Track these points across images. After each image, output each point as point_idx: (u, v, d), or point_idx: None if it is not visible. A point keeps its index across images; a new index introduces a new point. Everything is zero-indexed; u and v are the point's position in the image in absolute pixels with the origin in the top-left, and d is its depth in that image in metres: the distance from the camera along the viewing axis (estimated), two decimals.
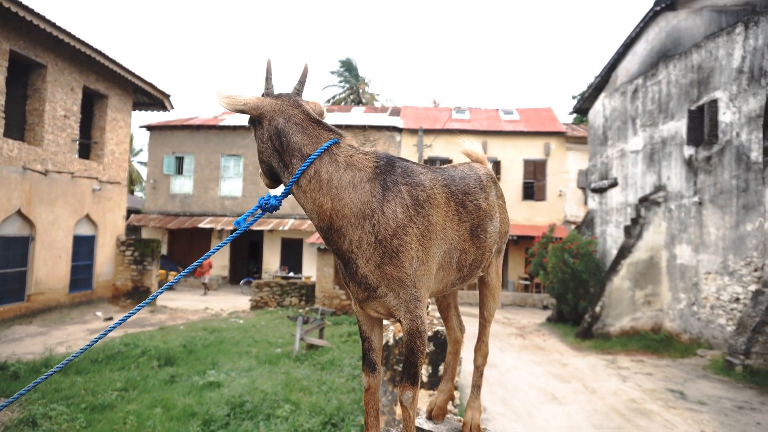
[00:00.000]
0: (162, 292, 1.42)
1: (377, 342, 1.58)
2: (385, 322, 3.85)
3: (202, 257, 1.51)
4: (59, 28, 12.07)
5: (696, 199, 11.61)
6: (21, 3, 10.83)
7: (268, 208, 1.47)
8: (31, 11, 11.13)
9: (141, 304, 1.41)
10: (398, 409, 1.52)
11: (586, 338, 12.50)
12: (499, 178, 21.81)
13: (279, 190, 1.49)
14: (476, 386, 1.86)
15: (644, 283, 12.78)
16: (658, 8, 13.31)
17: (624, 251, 13.10)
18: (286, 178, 1.45)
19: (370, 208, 1.38)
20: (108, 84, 15.22)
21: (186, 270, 1.52)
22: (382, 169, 1.45)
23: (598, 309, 12.67)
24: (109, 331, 1.43)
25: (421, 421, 1.81)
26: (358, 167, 1.43)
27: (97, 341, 1.37)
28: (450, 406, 3.05)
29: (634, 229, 13.18)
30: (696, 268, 11.56)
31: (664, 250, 12.77)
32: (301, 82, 1.58)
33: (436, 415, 1.83)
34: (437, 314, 4.07)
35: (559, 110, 45.47)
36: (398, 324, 1.51)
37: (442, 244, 1.51)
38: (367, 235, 1.37)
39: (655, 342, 11.79)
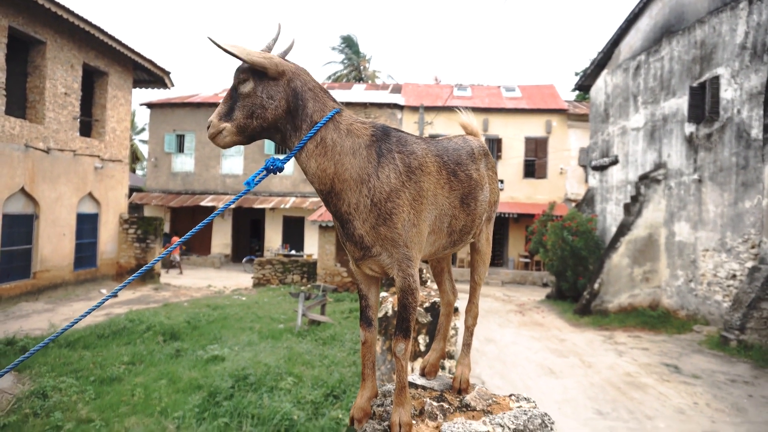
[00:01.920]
0: (154, 264, 1.52)
1: (374, 300, 1.69)
2: (383, 294, 3.96)
3: (202, 222, 1.57)
4: (58, 4, 11.99)
5: (696, 176, 11.65)
6: None
7: (274, 169, 1.53)
8: None
9: (132, 276, 1.51)
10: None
11: (584, 314, 12.67)
12: (500, 156, 21.82)
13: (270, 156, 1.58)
14: (466, 344, 1.97)
15: (643, 260, 12.89)
16: None
17: (623, 229, 13.18)
18: (293, 142, 1.52)
19: (366, 173, 1.49)
20: (108, 61, 15.16)
21: (181, 240, 1.61)
22: (378, 137, 1.55)
23: (596, 286, 12.82)
24: (100, 304, 1.55)
25: (414, 377, 1.92)
26: (357, 135, 1.54)
27: (88, 313, 1.47)
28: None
29: (633, 207, 13.24)
30: (694, 245, 11.65)
31: (663, 228, 12.85)
32: (285, 53, 1.68)
33: (428, 371, 1.94)
34: (435, 286, 4.18)
35: (561, 87, 45.14)
36: (396, 298, 1.61)
37: (432, 209, 1.61)
38: (364, 198, 1.48)
39: (652, 318, 11.95)
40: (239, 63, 1.52)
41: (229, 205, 1.64)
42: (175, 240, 20.07)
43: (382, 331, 3.33)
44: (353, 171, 1.49)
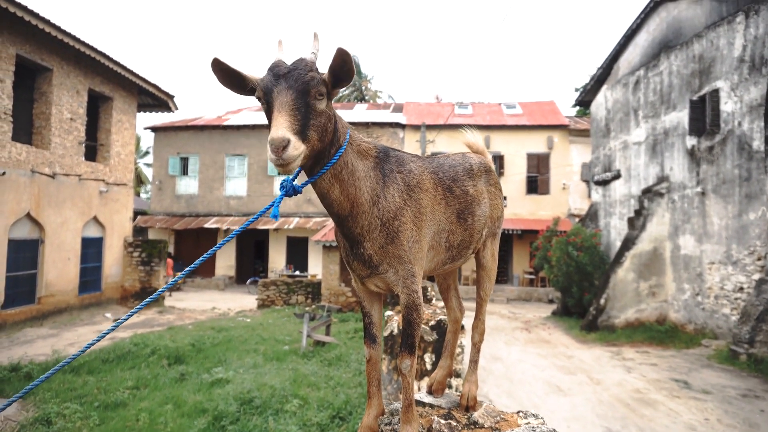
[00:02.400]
0: (163, 291, 1.51)
1: (377, 317, 1.70)
2: (388, 312, 3.94)
3: (212, 249, 1.54)
4: (64, 32, 12.21)
5: (699, 189, 11.63)
6: (27, 8, 10.97)
7: (292, 193, 1.46)
8: (36, 15, 11.27)
9: (141, 304, 1.48)
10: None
11: (591, 331, 12.56)
12: (502, 173, 21.85)
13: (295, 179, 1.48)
14: (473, 361, 1.97)
15: (648, 274, 12.81)
16: None
17: (628, 243, 13.13)
18: (319, 166, 1.42)
19: (376, 195, 1.51)
20: (113, 86, 15.36)
21: (191, 266, 1.58)
22: (380, 158, 1.58)
23: (602, 301, 12.72)
24: (110, 331, 1.51)
25: (422, 395, 1.90)
26: (365, 156, 1.55)
27: (98, 341, 1.45)
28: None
29: (637, 221, 13.21)
30: (700, 258, 11.59)
31: (667, 241, 12.80)
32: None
33: (436, 389, 1.93)
34: (441, 304, 4.16)
35: (562, 103, 45.42)
36: (401, 315, 1.62)
37: (431, 225, 1.64)
38: (375, 219, 1.49)
39: (660, 333, 11.83)
40: (304, 71, 1.35)
41: (246, 226, 1.64)
42: (170, 262, 20.05)
43: (387, 350, 3.31)
44: (368, 194, 1.49)
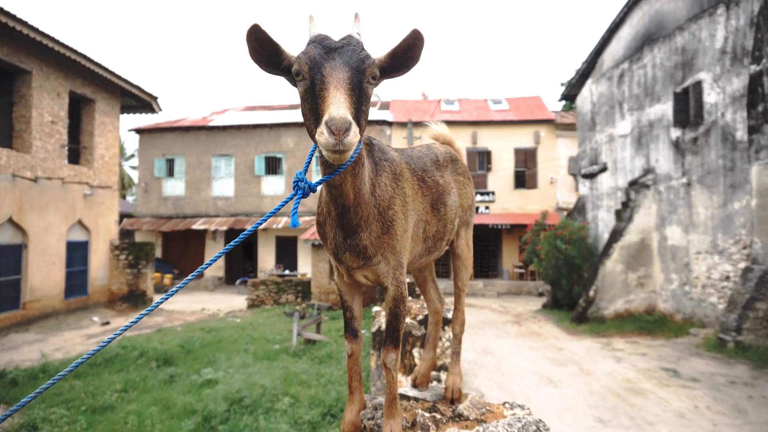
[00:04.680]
0: (168, 298, 1.39)
1: (358, 311, 1.65)
2: (376, 308, 3.91)
3: (215, 257, 1.38)
4: (43, 34, 12.01)
5: (684, 180, 11.73)
6: (3, 9, 10.77)
7: (308, 193, 1.35)
8: (13, 17, 11.07)
9: (148, 309, 1.37)
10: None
11: (581, 322, 12.63)
12: (490, 168, 21.91)
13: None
14: (455, 353, 1.94)
15: (636, 265, 12.90)
16: None
17: (615, 235, 13.22)
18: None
19: (373, 184, 1.46)
20: (94, 88, 15.15)
21: (196, 272, 1.43)
22: (369, 146, 1.53)
23: (591, 293, 12.80)
24: (118, 335, 1.36)
25: (406, 389, 1.87)
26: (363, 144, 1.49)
27: (105, 346, 1.32)
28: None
29: (624, 213, 13.30)
30: (686, 248, 11.69)
31: (654, 232, 12.90)
32: None
33: (420, 382, 1.90)
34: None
35: (548, 98, 45.68)
36: (388, 308, 1.57)
37: (413, 215, 1.60)
38: (373, 209, 1.43)
39: (649, 323, 11.92)
40: (355, 50, 1.24)
41: (258, 225, 1.49)
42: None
43: (376, 345, 3.28)
44: (368, 184, 1.43)
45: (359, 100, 1.20)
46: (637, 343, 10.62)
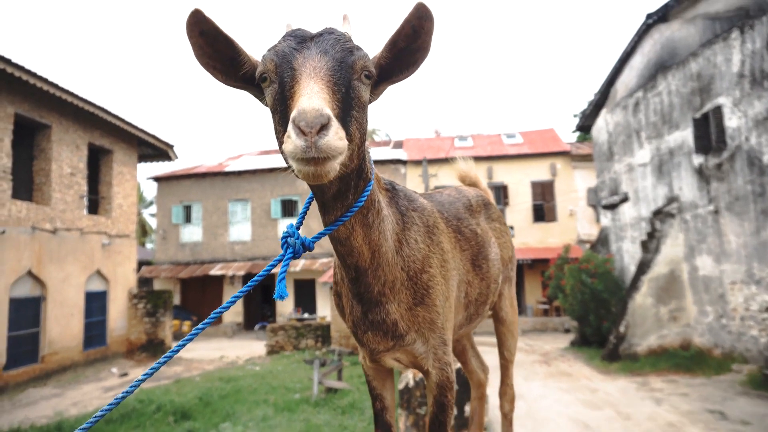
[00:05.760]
0: (182, 347, 1.16)
1: (390, 399, 1.37)
2: None
3: (226, 304, 1.17)
4: (62, 89, 12.31)
5: (711, 207, 11.35)
6: (25, 68, 11.07)
7: (300, 252, 1.03)
8: (35, 75, 11.37)
9: (162, 358, 1.13)
10: None
11: (613, 360, 12.06)
12: (507, 202, 21.65)
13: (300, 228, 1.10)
14: None
15: (667, 298, 12.38)
16: (650, 21, 13.35)
17: (643, 267, 12.76)
18: (341, 203, 1.02)
19: (398, 240, 1.15)
20: (112, 139, 15.42)
21: (209, 318, 1.22)
22: (391, 192, 1.25)
23: (622, 329, 12.27)
24: (134, 388, 1.17)
25: None
26: (380, 189, 1.18)
27: (120, 401, 1.14)
28: None
29: (650, 244, 12.88)
30: (720, 278, 11.19)
31: (684, 263, 12.42)
32: None
33: None
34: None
35: (562, 129, 45.67)
36: (431, 396, 1.25)
37: (455, 275, 1.31)
38: (400, 273, 1.14)
39: (685, 359, 11.32)
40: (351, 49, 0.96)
41: (250, 287, 1.24)
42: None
43: (404, 404, 3.01)
44: (390, 239, 1.12)
45: (346, 100, 0.91)
46: (675, 382, 10.05)
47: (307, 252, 1.09)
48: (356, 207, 1.00)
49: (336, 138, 0.80)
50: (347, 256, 1.08)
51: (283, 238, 1.02)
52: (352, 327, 1.21)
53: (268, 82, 0.94)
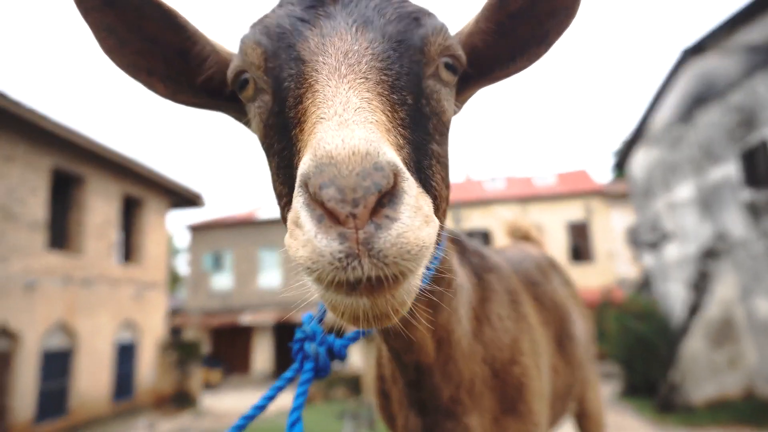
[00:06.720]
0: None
1: None
2: None
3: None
4: (97, 144, 12.61)
5: (765, 244, 10.63)
6: (60, 125, 11.38)
7: (325, 372, 0.76)
8: (70, 131, 11.67)
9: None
10: None
11: (666, 411, 11.14)
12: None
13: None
14: None
15: (722, 343, 11.50)
16: (686, 55, 13.04)
17: (693, 310, 11.97)
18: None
19: (475, 317, 0.79)
20: (144, 189, 15.66)
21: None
22: (459, 248, 0.88)
23: (675, 377, 11.39)
24: None
25: None
26: (450, 245, 0.82)
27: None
28: None
29: (700, 285, 12.11)
30: None
31: (738, 305, 11.57)
32: None
33: None
34: None
35: (598, 170, 44.99)
36: None
37: (545, 360, 0.92)
38: (481, 367, 0.78)
39: (749, 411, 10.35)
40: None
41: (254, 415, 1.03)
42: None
43: None
44: (465, 319, 0.77)
45: (415, 120, 0.51)
46: None
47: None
48: (422, 284, 0.57)
49: (416, 222, 0.41)
50: (404, 352, 0.72)
51: (296, 341, 0.69)
52: None
53: (253, 89, 0.56)
